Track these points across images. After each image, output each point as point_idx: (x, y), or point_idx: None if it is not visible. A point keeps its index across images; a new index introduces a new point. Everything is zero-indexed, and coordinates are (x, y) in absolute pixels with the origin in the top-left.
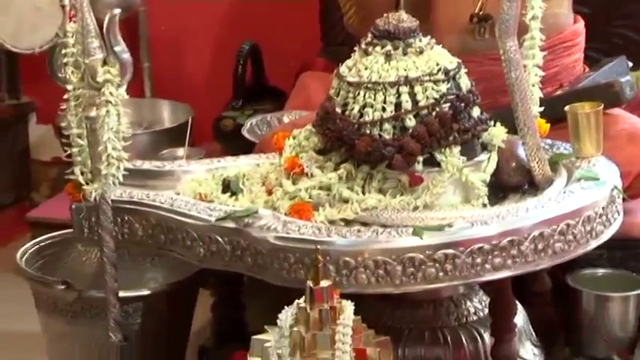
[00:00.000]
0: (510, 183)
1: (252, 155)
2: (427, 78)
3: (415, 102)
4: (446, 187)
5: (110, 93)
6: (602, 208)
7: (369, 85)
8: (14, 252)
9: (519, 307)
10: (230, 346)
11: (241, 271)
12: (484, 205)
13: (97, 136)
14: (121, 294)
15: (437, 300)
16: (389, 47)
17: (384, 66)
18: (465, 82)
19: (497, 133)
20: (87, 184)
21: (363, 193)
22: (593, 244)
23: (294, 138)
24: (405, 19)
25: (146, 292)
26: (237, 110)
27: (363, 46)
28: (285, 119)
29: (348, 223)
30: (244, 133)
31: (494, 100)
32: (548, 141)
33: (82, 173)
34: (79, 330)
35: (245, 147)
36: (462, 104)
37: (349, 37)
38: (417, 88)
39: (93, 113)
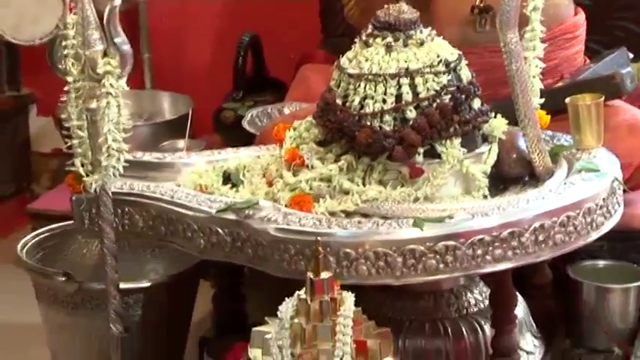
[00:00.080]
0: (511, 174)
1: (253, 147)
2: (428, 70)
3: (416, 93)
4: (446, 178)
5: (110, 84)
6: (603, 199)
7: (370, 77)
8: (15, 243)
9: (520, 298)
10: (230, 337)
11: (242, 262)
12: (485, 197)
13: (97, 127)
14: (122, 285)
15: (437, 291)
16: (389, 39)
17: (384, 57)
18: (465, 74)
19: (497, 125)
20: (87, 175)
21: (364, 184)
22: (594, 235)
23: (294, 129)
24: (405, 10)
25: (147, 284)
26: (237, 102)
27: (364, 37)
28: (286, 111)
29: (348, 214)
30: (245, 124)
31: (495, 92)
32: (549, 132)
33: (82, 165)
34: (79, 321)
35: (245, 138)
36: (463, 96)
37: (350, 28)
38: (418, 80)
39: (93, 105)
